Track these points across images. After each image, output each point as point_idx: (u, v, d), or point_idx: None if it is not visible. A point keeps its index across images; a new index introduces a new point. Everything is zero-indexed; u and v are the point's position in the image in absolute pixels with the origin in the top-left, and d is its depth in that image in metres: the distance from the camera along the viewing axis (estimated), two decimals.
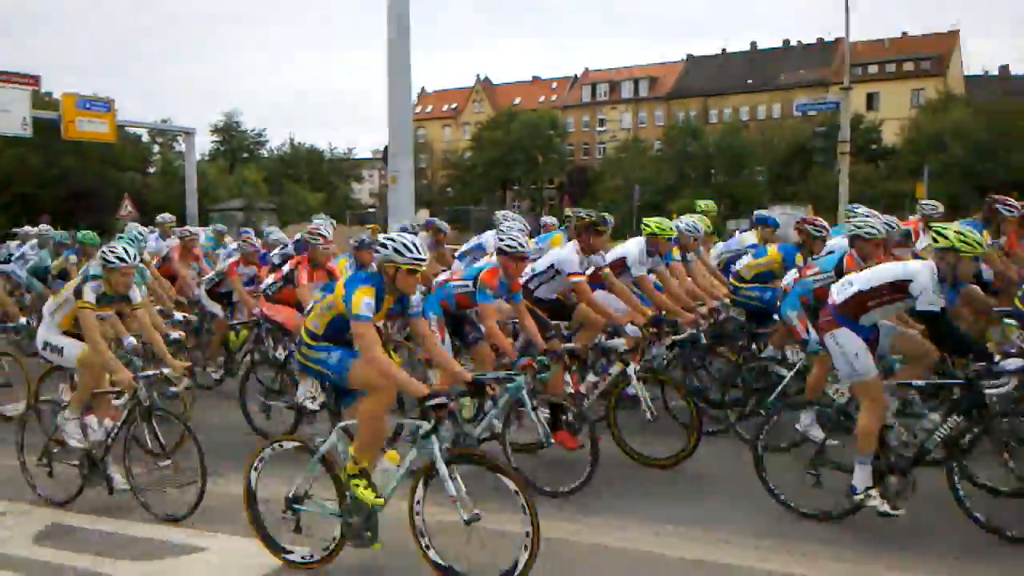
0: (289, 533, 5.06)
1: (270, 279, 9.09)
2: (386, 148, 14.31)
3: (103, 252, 6.43)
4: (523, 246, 6.84)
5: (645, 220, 8.27)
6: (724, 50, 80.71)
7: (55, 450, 6.29)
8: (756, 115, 73.74)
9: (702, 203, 11.09)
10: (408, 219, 9.75)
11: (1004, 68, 77.85)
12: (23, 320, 9.55)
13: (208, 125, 76.26)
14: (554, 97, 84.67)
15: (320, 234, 8.85)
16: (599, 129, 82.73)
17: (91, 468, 6.13)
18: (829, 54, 66.95)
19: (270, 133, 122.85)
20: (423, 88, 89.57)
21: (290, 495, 5.02)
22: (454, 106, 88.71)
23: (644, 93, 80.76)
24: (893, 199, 38.11)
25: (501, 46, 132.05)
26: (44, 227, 13.75)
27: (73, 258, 10.99)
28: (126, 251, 6.37)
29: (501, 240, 6.97)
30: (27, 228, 15.82)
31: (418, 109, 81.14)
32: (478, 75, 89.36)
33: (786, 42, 77.91)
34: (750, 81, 75.50)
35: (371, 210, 65.50)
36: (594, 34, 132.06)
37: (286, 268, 8.91)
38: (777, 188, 57.52)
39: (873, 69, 69.99)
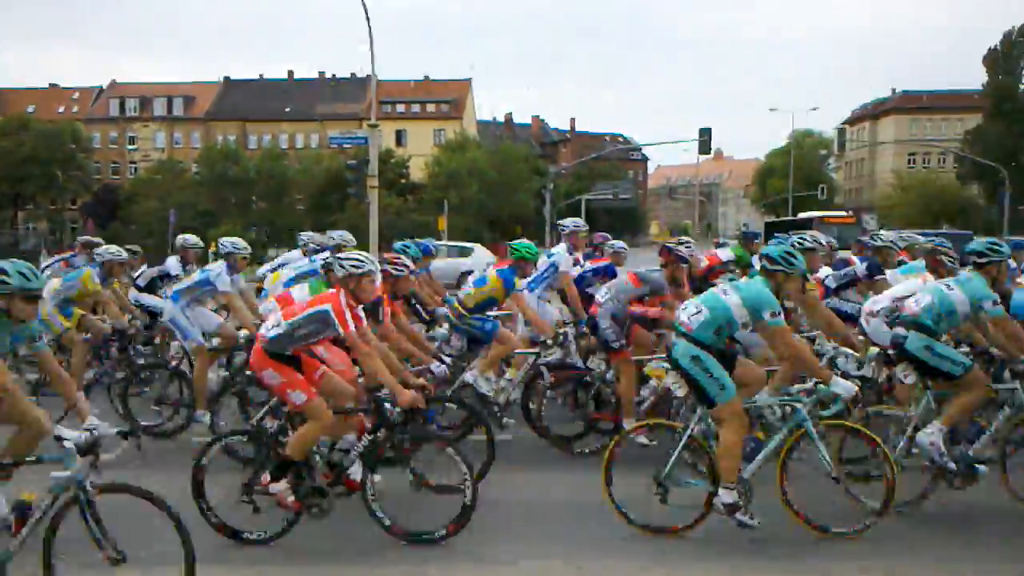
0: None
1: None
2: None
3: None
4: None
5: None
6: (262, 75, 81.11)
7: None
8: (295, 143, 75.20)
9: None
10: None
11: (508, 116, 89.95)
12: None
13: None
14: (75, 108, 77.37)
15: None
16: (129, 147, 77.44)
17: None
18: (362, 90, 70.81)
19: None
20: None
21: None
22: None
23: (179, 112, 77.60)
24: (422, 229, 41.67)
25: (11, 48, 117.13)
26: (308, 235, 10.73)
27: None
28: None
29: None
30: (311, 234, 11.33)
31: None
32: None
33: (322, 74, 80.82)
34: (288, 109, 76.77)
35: None
36: (122, 46, 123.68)
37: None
38: (317, 217, 59.21)
39: (401, 108, 75.91)
